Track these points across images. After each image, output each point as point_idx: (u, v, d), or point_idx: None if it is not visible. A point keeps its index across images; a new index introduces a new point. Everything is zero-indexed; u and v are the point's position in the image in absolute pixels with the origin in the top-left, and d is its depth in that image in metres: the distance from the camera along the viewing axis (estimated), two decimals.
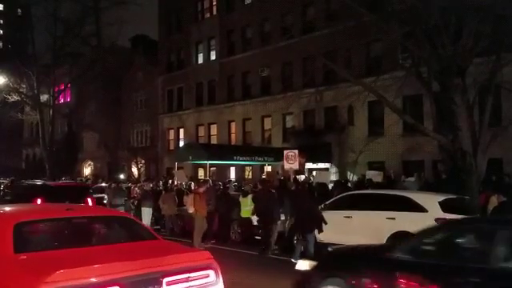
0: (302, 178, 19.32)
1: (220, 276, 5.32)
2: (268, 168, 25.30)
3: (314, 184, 17.94)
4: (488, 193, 12.06)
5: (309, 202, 11.81)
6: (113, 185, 19.21)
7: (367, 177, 18.65)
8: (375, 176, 18.48)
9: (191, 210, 12.94)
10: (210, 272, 5.19)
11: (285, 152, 17.93)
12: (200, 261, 5.22)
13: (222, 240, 14.25)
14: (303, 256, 11.31)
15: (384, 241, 10.57)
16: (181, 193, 17.43)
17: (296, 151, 17.73)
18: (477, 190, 12.35)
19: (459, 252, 5.51)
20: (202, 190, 13.21)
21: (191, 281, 4.97)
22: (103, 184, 23.50)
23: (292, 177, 17.89)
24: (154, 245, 5.73)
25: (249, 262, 10.35)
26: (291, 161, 17.39)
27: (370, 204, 11.27)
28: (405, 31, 14.02)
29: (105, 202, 19.28)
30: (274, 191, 12.87)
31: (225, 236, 14.53)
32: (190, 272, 4.99)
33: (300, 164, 19.43)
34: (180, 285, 4.87)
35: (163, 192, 17.53)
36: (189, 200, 13.60)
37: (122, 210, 17.49)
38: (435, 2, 11.97)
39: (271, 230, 12.35)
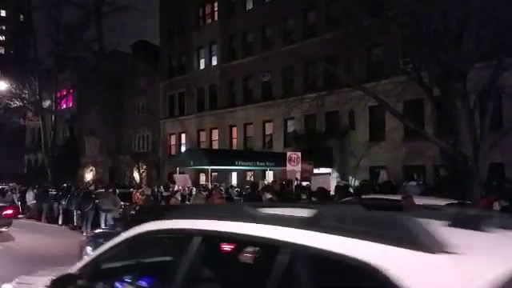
0: (303, 183, 19.22)
1: None
2: (269, 173, 25.24)
3: (313, 189, 17.85)
4: (490, 198, 12.01)
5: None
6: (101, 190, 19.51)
7: (380, 176, 18.31)
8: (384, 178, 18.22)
9: None
10: None
11: (288, 153, 17.86)
12: None
13: None
14: None
15: None
16: (183, 198, 17.40)
17: (299, 153, 17.67)
18: (478, 195, 12.30)
19: None
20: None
21: None
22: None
23: (295, 183, 17.85)
24: None
25: None
26: (294, 162, 17.31)
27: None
28: (405, 36, 14.01)
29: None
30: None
31: None
32: None
33: (308, 171, 19.33)
34: None
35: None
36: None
37: (111, 215, 17.67)
38: (436, 6, 11.97)
39: None
